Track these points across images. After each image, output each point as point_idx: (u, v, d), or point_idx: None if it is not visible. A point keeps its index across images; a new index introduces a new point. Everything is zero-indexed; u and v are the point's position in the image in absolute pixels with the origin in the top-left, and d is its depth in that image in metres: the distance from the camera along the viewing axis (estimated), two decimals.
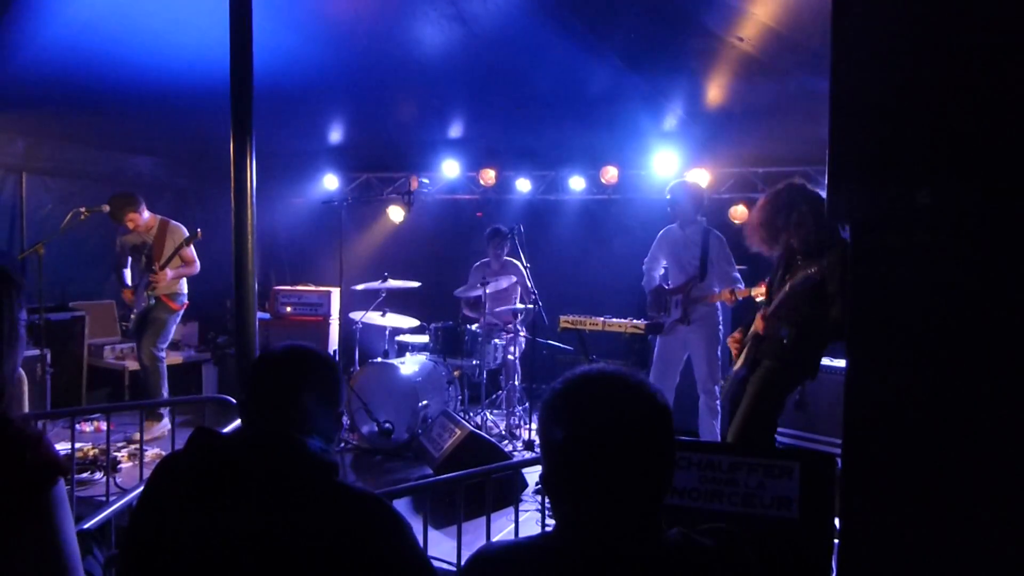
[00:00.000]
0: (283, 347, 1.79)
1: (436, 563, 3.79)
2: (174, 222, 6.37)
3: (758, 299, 5.14)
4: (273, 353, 1.78)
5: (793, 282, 3.90)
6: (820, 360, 4.05)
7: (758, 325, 4.15)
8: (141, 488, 1.68)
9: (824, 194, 3.91)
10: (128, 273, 6.39)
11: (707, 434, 5.59)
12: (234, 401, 4.57)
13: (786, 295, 3.97)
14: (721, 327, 5.68)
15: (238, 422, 1.74)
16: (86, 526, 2.96)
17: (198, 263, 6.37)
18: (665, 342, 5.65)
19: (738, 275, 5.62)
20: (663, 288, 5.75)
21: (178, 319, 6.43)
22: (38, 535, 1.42)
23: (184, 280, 6.39)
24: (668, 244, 5.81)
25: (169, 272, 6.14)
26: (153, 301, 6.17)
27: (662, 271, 5.88)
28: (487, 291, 6.53)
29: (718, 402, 5.63)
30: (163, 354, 6.32)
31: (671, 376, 5.62)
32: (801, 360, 4.01)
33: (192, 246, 6.25)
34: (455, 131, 7.42)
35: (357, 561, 1.46)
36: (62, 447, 4.80)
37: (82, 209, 5.97)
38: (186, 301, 6.41)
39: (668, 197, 5.76)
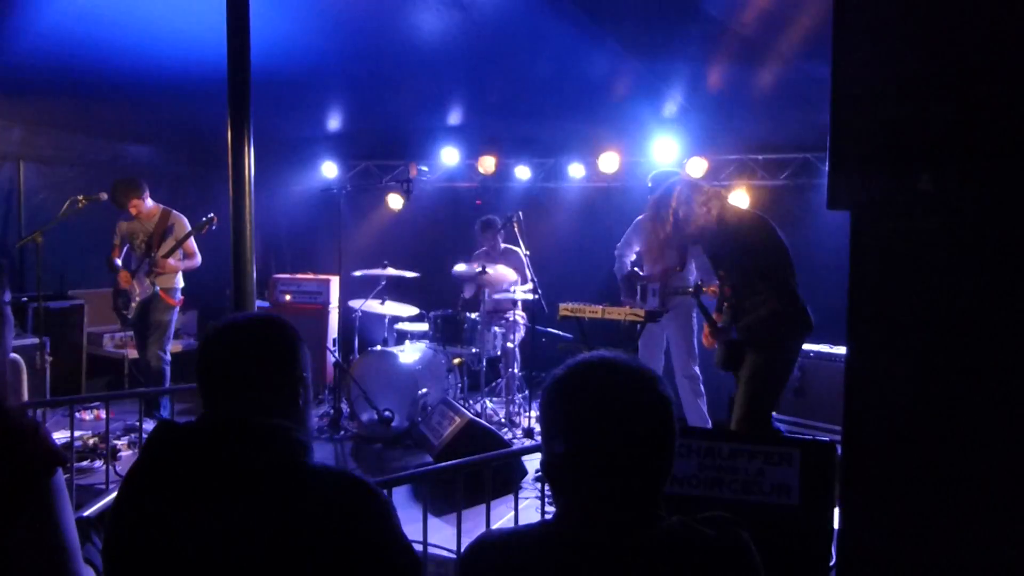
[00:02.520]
0: (225, 322, 1.66)
1: (436, 550, 3.81)
2: (176, 212, 6.35)
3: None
4: (215, 330, 1.64)
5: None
6: (799, 321, 4.10)
7: (707, 343, 4.43)
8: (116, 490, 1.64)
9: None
10: (120, 263, 6.37)
11: (694, 417, 5.63)
12: None
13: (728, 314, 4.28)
14: (696, 316, 5.77)
15: None
16: (85, 514, 2.95)
17: (199, 256, 6.35)
18: (647, 329, 5.70)
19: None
20: (636, 274, 5.79)
21: (176, 315, 6.43)
22: (37, 525, 1.42)
23: (180, 274, 6.38)
24: (646, 232, 5.83)
25: (171, 261, 6.13)
26: (156, 288, 6.15)
27: (633, 256, 5.93)
28: (484, 279, 6.52)
29: (701, 385, 5.69)
30: (168, 356, 6.35)
31: (657, 361, 5.72)
32: (780, 340, 4.11)
33: (192, 238, 6.24)
34: (454, 118, 7.39)
35: (333, 543, 1.43)
36: (61, 435, 4.82)
37: (80, 197, 5.95)
38: (181, 296, 6.41)
39: (650, 185, 5.79)
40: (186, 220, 6.29)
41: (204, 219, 6.07)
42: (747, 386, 4.09)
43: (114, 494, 3.17)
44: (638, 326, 5.47)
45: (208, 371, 1.60)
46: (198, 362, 1.62)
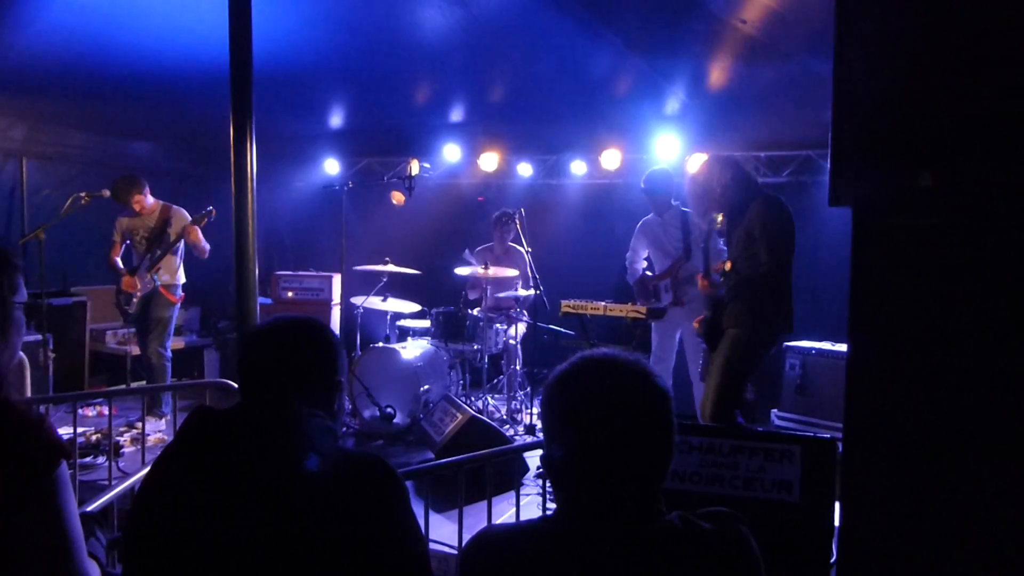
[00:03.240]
0: (274, 320, 1.76)
1: (437, 546, 3.82)
2: (176, 207, 6.36)
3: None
4: (264, 326, 1.76)
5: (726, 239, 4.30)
6: (783, 311, 4.15)
7: (701, 287, 4.44)
8: (145, 471, 1.67)
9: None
10: (120, 262, 6.36)
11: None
12: (235, 385, 4.58)
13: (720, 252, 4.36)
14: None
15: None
16: (89, 509, 2.97)
17: (207, 244, 6.36)
18: (659, 327, 5.70)
19: (724, 247, 5.68)
20: (647, 276, 5.81)
21: (177, 312, 6.43)
22: (41, 517, 1.43)
23: (181, 271, 6.39)
24: (648, 234, 5.88)
25: (201, 237, 6.13)
26: (157, 283, 6.16)
27: (644, 263, 5.93)
28: (488, 275, 6.51)
29: None
30: (169, 353, 6.35)
31: (668, 360, 5.68)
32: (761, 316, 4.12)
33: (198, 229, 6.24)
34: (456, 115, 7.39)
35: (357, 521, 1.47)
36: (65, 432, 4.82)
37: (83, 194, 5.96)
38: (182, 293, 6.41)
39: (643, 187, 5.81)
40: (186, 213, 6.30)
41: (203, 212, 6.08)
42: (719, 371, 4.13)
43: (116, 489, 3.19)
44: (651, 325, 5.47)
45: (252, 364, 1.67)
46: (243, 354, 1.69)
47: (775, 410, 6.34)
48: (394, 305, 6.87)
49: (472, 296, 6.98)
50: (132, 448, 5.43)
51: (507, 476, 4.56)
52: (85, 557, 1.51)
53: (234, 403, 1.65)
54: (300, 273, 8.06)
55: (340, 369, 1.74)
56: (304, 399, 1.61)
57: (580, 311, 5.46)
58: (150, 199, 6.28)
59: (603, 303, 5.41)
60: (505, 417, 6.52)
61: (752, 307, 4.11)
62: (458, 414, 5.19)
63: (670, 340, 5.75)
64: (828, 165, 1.62)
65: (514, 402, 6.69)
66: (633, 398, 1.35)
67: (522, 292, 6.62)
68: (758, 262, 4.09)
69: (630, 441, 1.33)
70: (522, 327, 6.95)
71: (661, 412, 1.36)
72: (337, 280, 7.73)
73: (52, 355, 6.01)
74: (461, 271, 6.75)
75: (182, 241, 6.20)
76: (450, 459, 3.56)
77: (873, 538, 1.61)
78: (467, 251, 6.87)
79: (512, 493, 4.04)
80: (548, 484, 4.20)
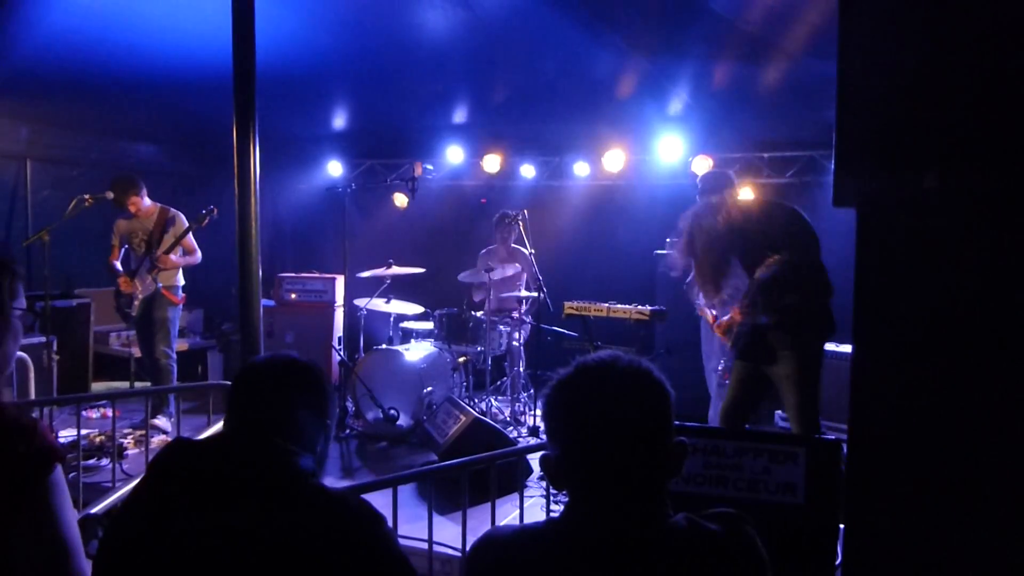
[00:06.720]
0: (270, 355, 1.77)
1: (441, 548, 3.81)
2: (174, 209, 6.34)
3: None
4: (259, 361, 1.76)
5: (760, 274, 3.99)
6: (830, 317, 4.02)
7: (735, 317, 4.16)
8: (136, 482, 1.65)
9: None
10: (119, 266, 6.34)
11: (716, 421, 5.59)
12: None
13: (758, 286, 4.04)
14: None
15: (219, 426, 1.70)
16: (93, 511, 2.97)
17: (199, 252, 6.34)
18: (707, 328, 5.61)
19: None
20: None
21: (180, 313, 6.41)
22: (37, 522, 1.42)
23: (182, 271, 6.37)
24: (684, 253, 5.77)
25: (173, 257, 6.12)
26: (159, 285, 6.14)
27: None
28: (492, 278, 6.51)
29: None
30: (174, 355, 6.32)
31: (714, 358, 5.59)
32: (812, 338, 4.00)
33: (192, 235, 6.22)
34: (459, 117, 7.40)
35: (328, 562, 1.42)
36: (69, 434, 4.83)
37: (87, 196, 5.96)
38: (183, 294, 6.39)
39: (699, 187, 5.75)
40: (184, 218, 6.27)
41: (204, 211, 6.03)
42: (796, 381, 3.95)
43: (121, 492, 3.20)
44: (701, 324, 5.35)
45: (241, 398, 1.66)
46: (234, 387, 1.69)
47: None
48: (397, 307, 6.87)
49: (477, 298, 6.98)
50: (136, 450, 5.44)
51: (511, 478, 4.54)
52: (83, 561, 1.50)
53: (216, 428, 1.63)
54: (303, 275, 8.05)
55: (328, 413, 1.74)
56: (288, 437, 1.59)
57: (583, 312, 5.47)
58: (147, 201, 6.23)
59: (606, 304, 5.41)
60: (508, 419, 6.52)
61: (795, 296, 3.95)
62: (461, 416, 5.19)
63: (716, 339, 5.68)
64: (832, 166, 1.61)
65: (517, 404, 6.69)
66: (630, 400, 1.35)
67: (525, 294, 6.62)
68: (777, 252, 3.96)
69: (630, 442, 1.33)
70: (526, 329, 6.94)
71: (659, 412, 1.36)
72: (340, 282, 7.73)
73: (56, 357, 6.02)
74: (465, 276, 6.75)
75: (179, 244, 6.18)
76: (454, 461, 3.56)
77: (878, 541, 1.61)
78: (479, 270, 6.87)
79: (516, 495, 4.03)
80: (551, 486, 4.20)
